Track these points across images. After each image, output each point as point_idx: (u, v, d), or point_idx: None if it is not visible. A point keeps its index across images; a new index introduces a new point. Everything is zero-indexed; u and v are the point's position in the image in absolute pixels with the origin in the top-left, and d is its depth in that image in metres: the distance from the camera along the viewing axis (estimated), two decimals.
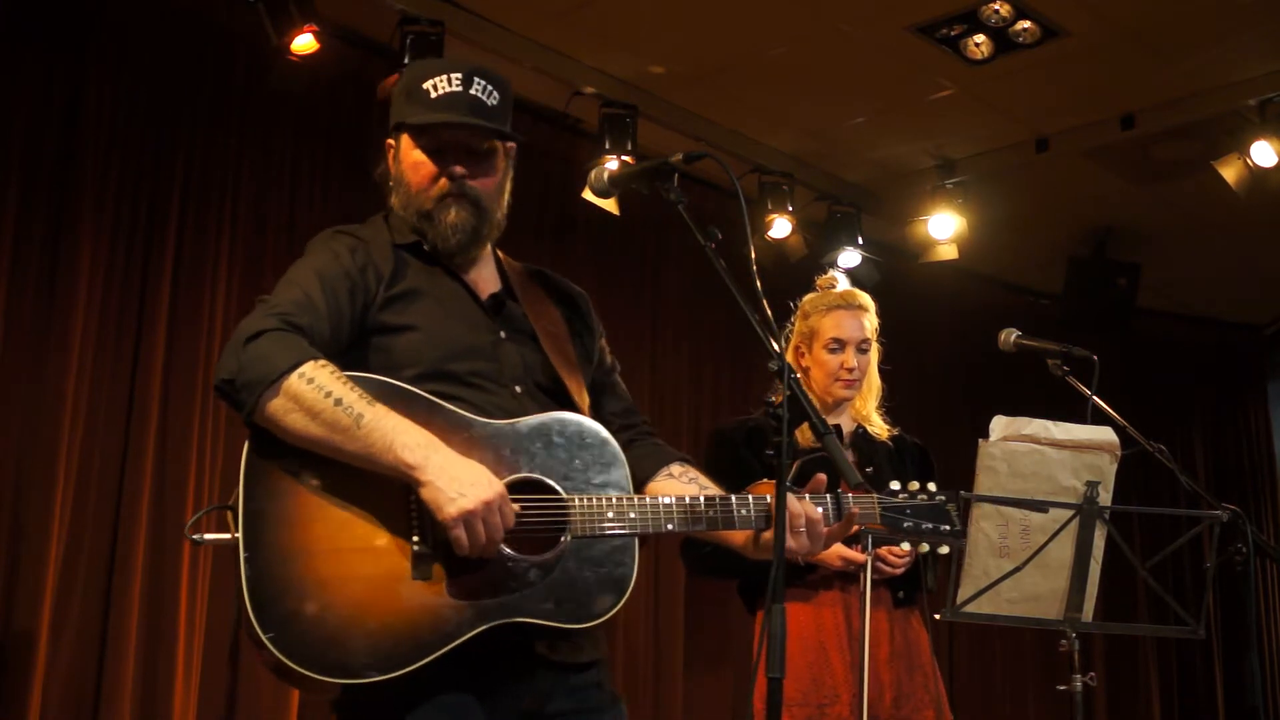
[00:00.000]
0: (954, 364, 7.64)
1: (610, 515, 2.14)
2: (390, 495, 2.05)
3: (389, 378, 2.13)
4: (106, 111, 4.95)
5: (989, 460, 3.07)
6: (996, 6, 5.32)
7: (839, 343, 3.58)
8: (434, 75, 2.30)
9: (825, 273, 3.80)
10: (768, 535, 2.21)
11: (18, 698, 4.38)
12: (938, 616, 3.40)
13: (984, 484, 3.06)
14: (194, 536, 2.09)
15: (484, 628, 2.05)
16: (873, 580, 3.37)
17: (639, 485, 2.31)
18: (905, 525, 2.36)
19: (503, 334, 2.32)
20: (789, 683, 3.31)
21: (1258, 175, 5.94)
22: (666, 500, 2.20)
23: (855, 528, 2.33)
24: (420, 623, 2.02)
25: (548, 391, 2.31)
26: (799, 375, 3.60)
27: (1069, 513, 3.10)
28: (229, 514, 2.05)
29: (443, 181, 2.30)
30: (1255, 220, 6.79)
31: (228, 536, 2.02)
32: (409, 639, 2.01)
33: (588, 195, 4.60)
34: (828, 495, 2.25)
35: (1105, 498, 3.13)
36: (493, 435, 2.14)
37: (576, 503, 2.13)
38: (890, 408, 3.72)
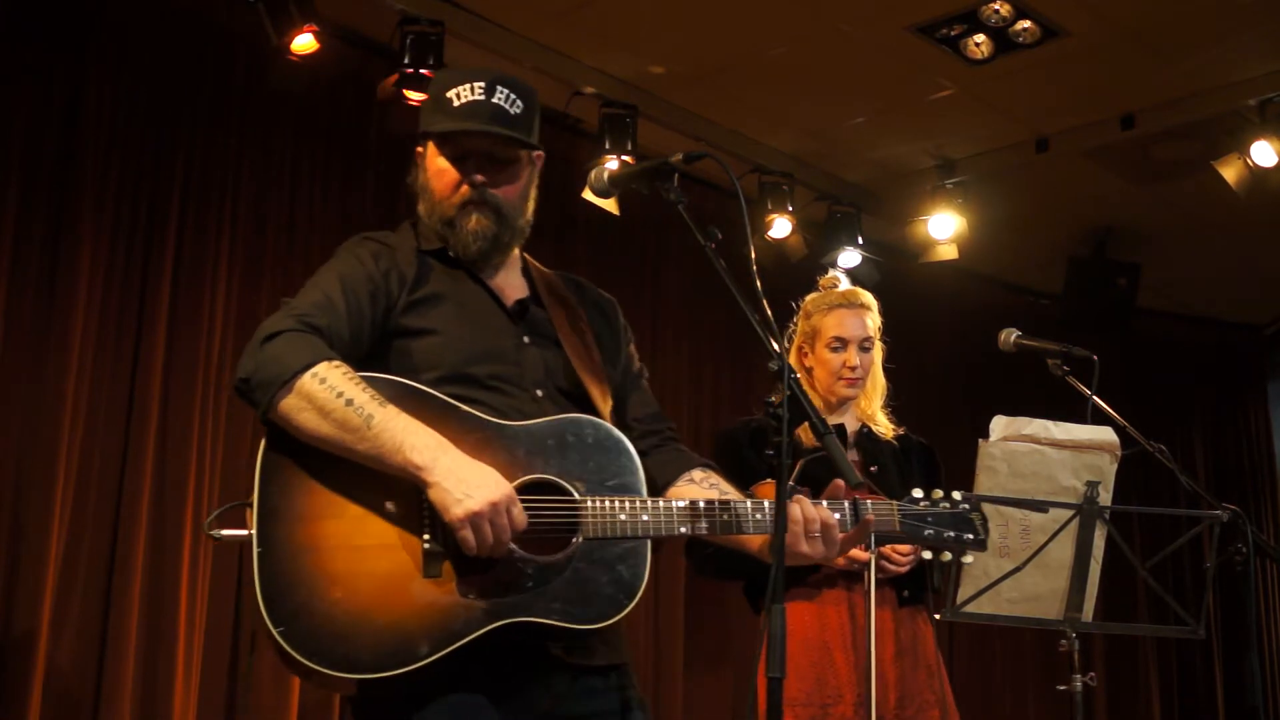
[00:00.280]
0: (954, 364, 7.64)
1: (622, 517, 2.14)
2: (402, 493, 2.07)
3: (409, 380, 2.16)
4: (106, 111, 4.94)
5: (989, 460, 3.07)
6: (996, 6, 5.32)
7: (841, 341, 3.58)
8: (458, 84, 2.33)
9: (826, 273, 3.80)
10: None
11: (18, 698, 4.38)
12: (938, 616, 3.40)
13: (984, 484, 3.07)
14: (212, 532, 2.12)
15: (492, 627, 2.05)
16: (877, 579, 3.36)
17: (660, 490, 2.32)
18: (926, 533, 2.33)
19: (526, 338, 2.34)
20: (793, 682, 3.32)
21: (1258, 175, 5.94)
22: (680, 503, 2.20)
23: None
24: (429, 620, 2.04)
25: (569, 396, 2.32)
26: (803, 375, 3.63)
27: (1069, 513, 3.10)
28: (247, 510, 2.08)
29: (464, 189, 2.33)
30: (1255, 220, 6.79)
31: (244, 532, 2.05)
32: (417, 636, 2.02)
33: (588, 195, 4.60)
34: (845, 501, 2.24)
35: (1105, 498, 3.13)
36: (507, 437, 2.15)
37: (589, 504, 2.14)
38: (894, 407, 3.72)
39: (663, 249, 6.64)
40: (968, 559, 3.00)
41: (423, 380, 2.18)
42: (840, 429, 3.59)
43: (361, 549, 2.05)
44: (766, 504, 2.21)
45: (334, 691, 2.13)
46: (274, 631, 1.98)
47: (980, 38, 5.55)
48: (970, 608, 3.10)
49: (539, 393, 2.28)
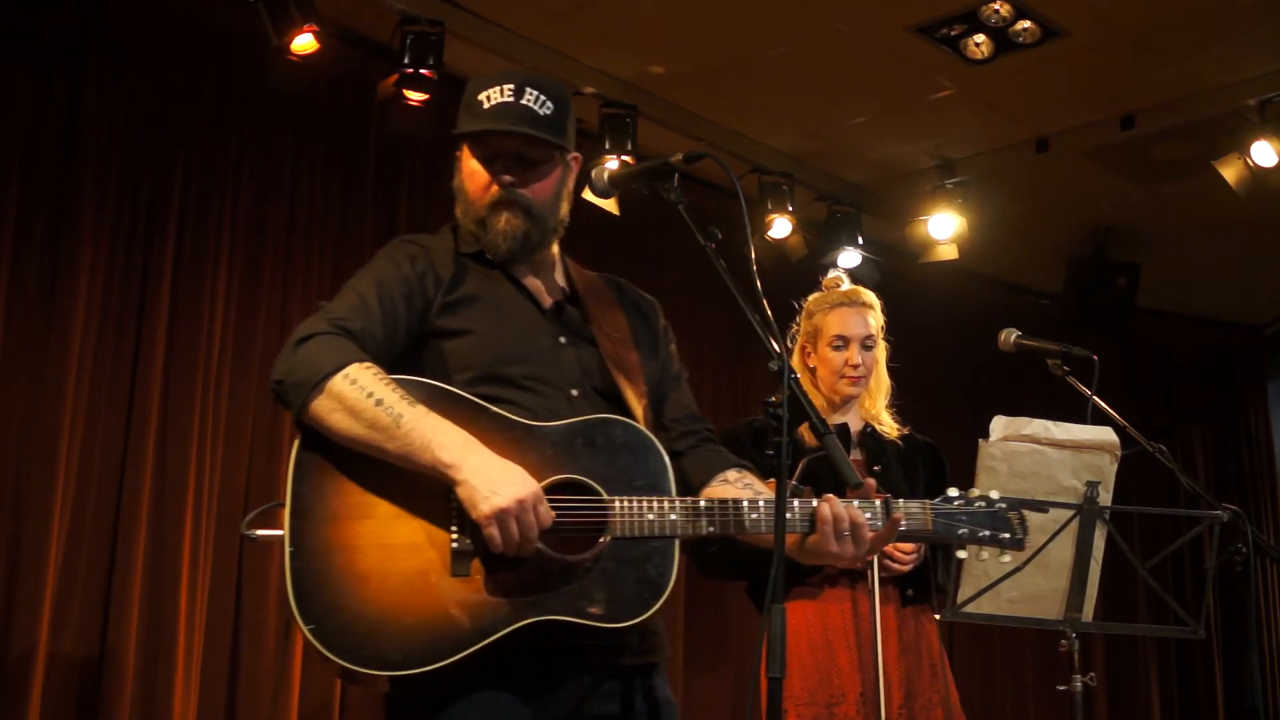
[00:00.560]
0: (954, 364, 7.63)
1: (650, 517, 2.16)
2: (433, 493, 2.09)
3: (443, 381, 2.19)
4: (106, 111, 4.94)
5: (989, 460, 3.07)
6: (996, 6, 5.32)
7: (843, 340, 3.59)
8: (489, 87, 2.36)
9: (827, 273, 3.81)
10: (814, 539, 2.21)
11: (18, 698, 4.38)
12: (938, 617, 3.40)
13: (984, 484, 3.06)
14: (247, 533, 2.18)
15: (519, 625, 2.07)
16: (880, 578, 3.36)
17: (694, 491, 2.34)
18: (960, 532, 2.34)
19: (562, 339, 2.36)
20: (797, 681, 3.32)
21: (1258, 175, 5.93)
22: (707, 503, 2.21)
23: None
24: (456, 618, 2.06)
25: (605, 395, 2.33)
26: (806, 375, 3.64)
27: (1069, 513, 3.10)
28: (279, 510, 2.12)
29: (494, 189, 2.36)
30: (1255, 220, 6.79)
31: (278, 533, 2.09)
32: (445, 634, 2.05)
33: (588, 195, 4.56)
34: (877, 501, 2.24)
35: (1105, 498, 3.14)
36: (536, 437, 2.18)
37: (617, 504, 2.16)
38: (899, 406, 3.72)
39: (663, 249, 6.64)
40: (1005, 558, 2.99)
41: (457, 380, 2.21)
42: (844, 428, 3.59)
43: (392, 548, 2.08)
44: (797, 503, 2.21)
45: (369, 689, 2.16)
46: (305, 629, 2.02)
47: (980, 38, 5.55)
48: (970, 608, 3.10)
49: (574, 392, 2.30)
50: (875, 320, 3.65)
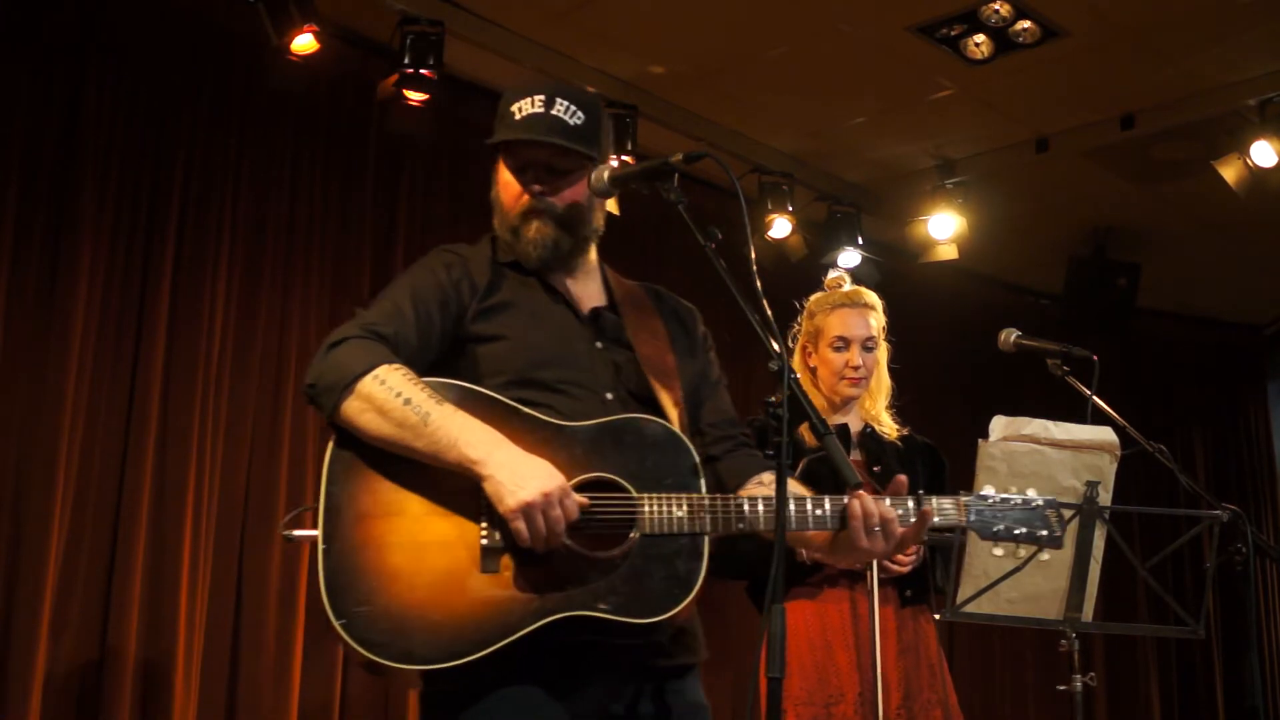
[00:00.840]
0: (954, 364, 7.63)
1: (680, 514, 2.18)
2: (464, 491, 2.12)
3: (477, 385, 2.22)
4: (106, 111, 4.94)
5: (989, 460, 3.06)
6: (996, 6, 5.33)
7: (844, 340, 3.59)
8: (521, 98, 2.40)
9: (828, 273, 3.81)
10: (844, 535, 2.22)
11: (18, 698, 4.38)
12: (938, 617, 3.40)
13: (983, 484, 3.05)
14: (285, 534, 2.22)
15: (546, 620, 2.09)
16: (879, 579, 3.36)
17: (731, 494, 2.34)
18: (996, 529, 2.34)
19: (598, 343, 2.39)
20: (795, 681, 3.32)
21: (1258, 175, 5.94)
22: (738, 500, 2.23)
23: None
24: (485, 614, 2.09)
25: (640, 399, 2.35)
26: (806, 375, 3.64)
27: (1069, 513, 3.09)
28: (308, 513, 2.17)
29: (525, 198, 2.40)
30: (1255, 220, 6.79)
31: (313, 533, 2.13)
32: (473, 629, 2.08)
33: None
34: (908, 497, 2.25)
35: (1105, 498, 3.13)
36: (565, 437, 2.20)
37: (646, 501, 2.17)
38: (899, 407, 3.72)
39: (663, 249, 6.64)
40: (1044, 556, 2.96)
41: (490, 384, 2.24)
42: (844, 429, 3.59)
43: (422, 545, 2.12)
44: (828, 499, 2.22)
45: (403, 685, 2.23)
46: (336, 624, 2.05)
47: (980, 38, 5.55)
48: (970, 608, 3.09)
49: (609, 396, 2.32)
50: (877, 321, 3.65)
